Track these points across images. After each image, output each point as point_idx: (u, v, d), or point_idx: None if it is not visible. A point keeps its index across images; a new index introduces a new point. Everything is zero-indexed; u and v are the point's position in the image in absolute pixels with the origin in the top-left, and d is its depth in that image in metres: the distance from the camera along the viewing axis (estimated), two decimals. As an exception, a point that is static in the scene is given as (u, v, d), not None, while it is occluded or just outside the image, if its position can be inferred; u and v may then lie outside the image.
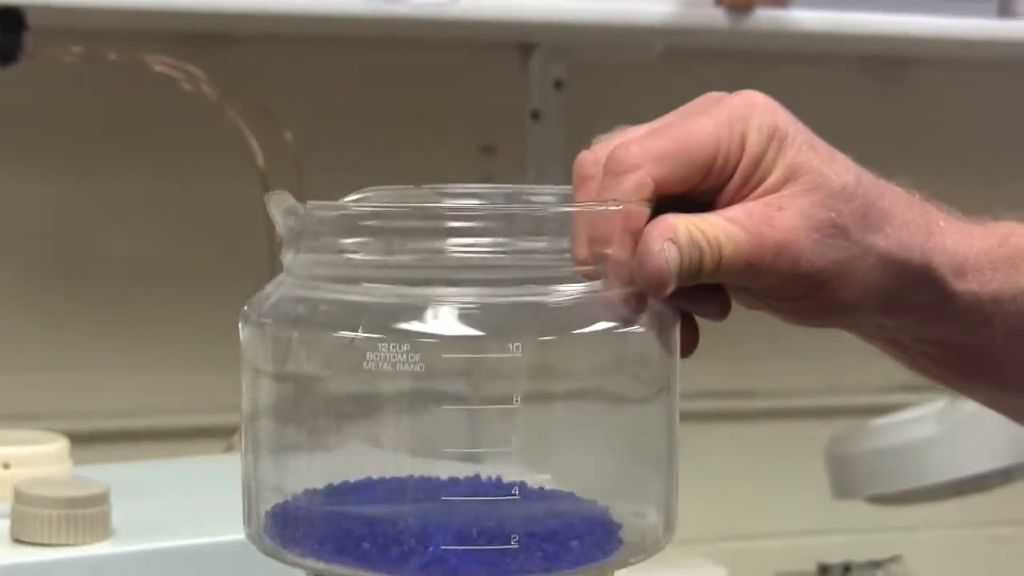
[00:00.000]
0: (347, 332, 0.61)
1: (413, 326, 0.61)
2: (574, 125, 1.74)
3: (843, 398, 1.61)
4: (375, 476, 0.64)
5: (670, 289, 0.64)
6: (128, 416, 1.60)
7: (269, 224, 1.47)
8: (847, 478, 1.54)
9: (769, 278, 0.66)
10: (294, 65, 1.66)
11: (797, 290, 0.67)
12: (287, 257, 0.66)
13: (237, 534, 0.90)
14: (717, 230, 0.65)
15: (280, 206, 0.65)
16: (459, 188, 0.70)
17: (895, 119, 1.88)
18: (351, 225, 0.64)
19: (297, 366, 0.65)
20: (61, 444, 1.00)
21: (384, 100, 1.69)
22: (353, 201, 0.68)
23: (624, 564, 0.65)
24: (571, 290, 0.64)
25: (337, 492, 0.64)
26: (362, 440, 0.64)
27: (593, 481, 0.66)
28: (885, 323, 0.72)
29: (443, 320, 0.62)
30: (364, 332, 0.61)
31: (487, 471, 0.64)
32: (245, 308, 0.66)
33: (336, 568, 0.63)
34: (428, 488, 0.64)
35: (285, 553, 0.65)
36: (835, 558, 1.72)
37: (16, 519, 0.89)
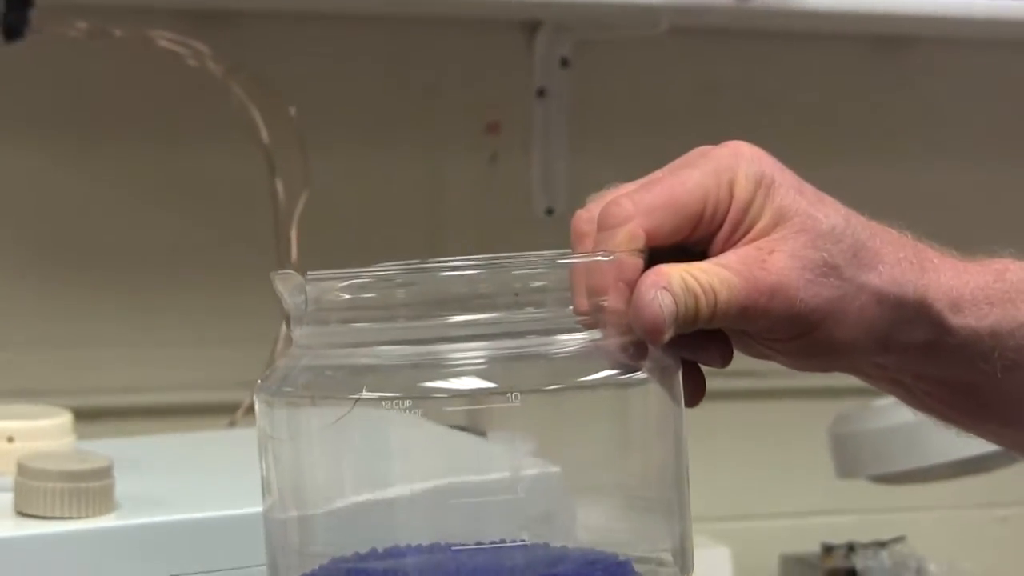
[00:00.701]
0: (360, 395, 0.63)
1: (415, 383, 0.63)
2: (579, 103, 1.74)
3: (848, 378, 1.60)
4: (393, 543, 0.65)
5: (667, 336, 0.65)
6: (131, 393, 1.60)
7: (274, 200, 1.47)
8: (851, 458, 1.54)
9: (765, 320, 0.68)
10: (299, 41, 1.65)
11: (793, 330, 0.68)
12: (296, 332, 0.67)
13: (240, 508, 0.90)
14: (711, 276, 0.67)
15: (288, 285, 0.66)
16: (459, 260, 0.71)
17: (900, 98, 1.88)
18: (354, 295, 0.66)
19: (307, 433, 0.66)
20: (64, 418, 1.00)
21: (389, 77, 1.69)
22: (352, 271, 0.69)
23: None
24: (572, 339, 0.65)
25: (360, 559, 0.66)
26: (375, 500, 0.66)
27: (605, 528, 0.67)
28: (884, 362, 0.73)
29: (445, 375, 0.63)
30: (367, 393, 0.63)
31: (498, 524, 0.65)
32: (259, 382, 0.68)
33: None
34: (445, 550, 0.65)
35: None
36: (839, 538, 1.72)
37: (19, 492, 0.88)
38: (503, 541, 0.64)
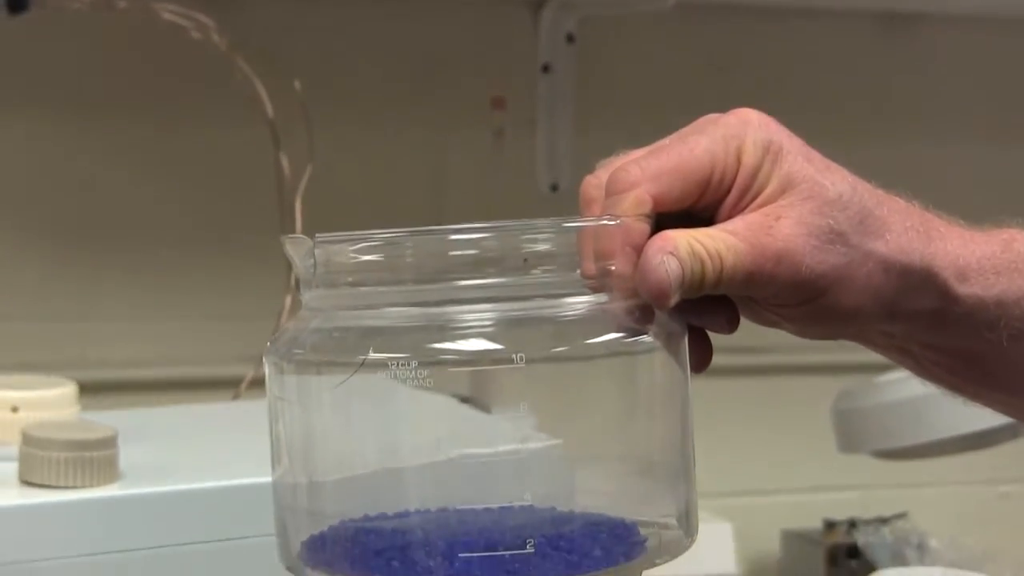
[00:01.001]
0: (369, 356, 0.63)
1: (422, 344, 0.63)
2: (585, 78, 1.74)
3: (851, 354, 1.60)
4: (403, 506, 0.65)
5: (672, 301, 0.66)
6: (136, 367, 1.60)
7: (278, 175, 1.47)
8: (854, 433, 1.54)
9: (771, 286, 0.68)
10: (304, 15, 1.65)
11: (800, 297, 0.69)
12: (305, 295, 0.68)
13: (243, 478, 0.91)
14: (717, 242, 0.67)
15: (299, 249, 0.66)
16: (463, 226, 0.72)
17: (908, 75, 1.88)
18: (362, 258, 0.66)
19: (317, 394, 0.66)
20: (69, 388, 1.00)
21: (394, 52, 1.69)
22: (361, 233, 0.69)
23: (646, 567, 0.67)
24: (579, 302, 0.65)
25: (370, 520, 0.66)
26: (384, 466, 0.66)
27: (611, 490, 0.68)
28: (891, 330, 0.73)
29: (452, 337, 0.64)
30: (374, 354, 0.63)
31: (503, 490, 0.65)
32: (268, 344, 0.68)
33: None
34: (459, 512, 0.65)
35: (318, 574, 0.67)
36: (841, 514, 1.72)
37: (24, 461, 0.89)
38: (510, 505, 0.64)
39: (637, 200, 0.67)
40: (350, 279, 0.66)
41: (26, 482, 0.88)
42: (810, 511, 1.77)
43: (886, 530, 1.65)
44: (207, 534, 0.89)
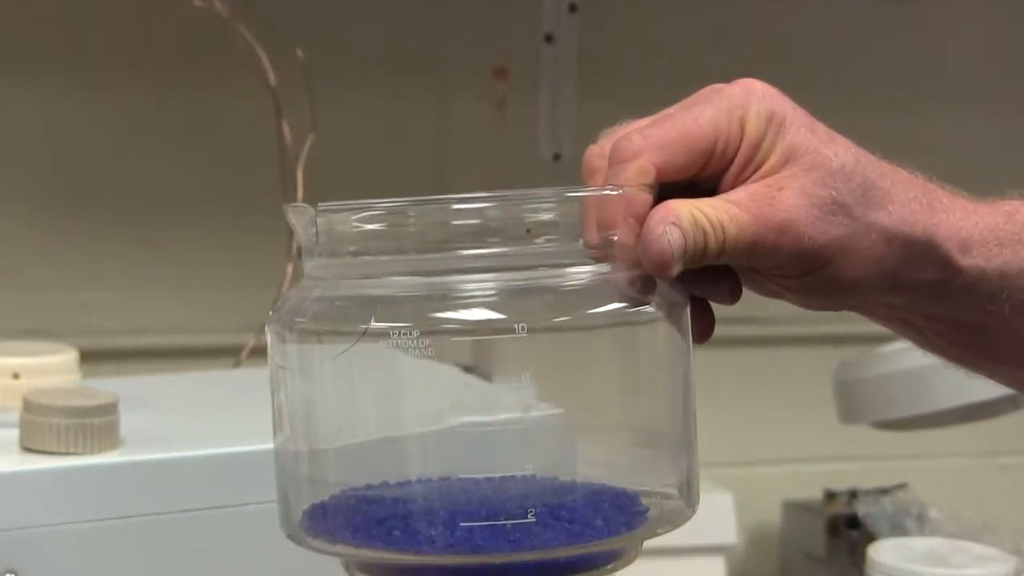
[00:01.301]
0: (371, 324, 0.63)
1: (424, 313, 0.63)
2: (587, 49, 1.74)
3: (851, 325, 1.60)
4: (405, 475, 0.66)
5: (675, 271, 0.66)
6: (137, 334, 1.61)
7: (280, 142, 1.46)
8: (855, 403, 1.54)
9: (774, 257, 0.68)
10: (306, -16, 1.65)
11: (802, 267, 0.69)
12: (307, 264, 0.68)
13: (243, 445, 0.91)
14: (720, 212, 0.67)
15: (301, 218, 0.66)
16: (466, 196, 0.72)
17: (911, 44, 1.87)
18: (365, 227, 0.66)
19: (319, 363, 0.66)
20: (70, 355, 1.00)
21: (397, 20, 1.69)
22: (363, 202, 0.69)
23: (647, 537, 0.67)
24: (582, 272, 0.65)
25: (371, 489, 0.66)
26: (386, 435, 0.66)
27: (612, 460, 0.68)
28: (894, 302, 0.73)
29: (455, 306, 0.63)
30: (375, 323, 0.63)
31: (505, 459, 0.65)
32: (270, 313, 0.68)
33: (367, 552, 0.65)
34: (460, 482, 0.65)
35: (321, 543, 0.67)
36: (842, 485, 1.73)
37: (25, 428, 0.89)
38: (512, 474, 0.64)
39: (640, 170, 0.67)
40: (352, 248, 0.66)
41: (27, 448, 0.88)
42: (810, 481, 1.78)
43: (886, 501, 1.65)
44: (207, 501, 0.89)
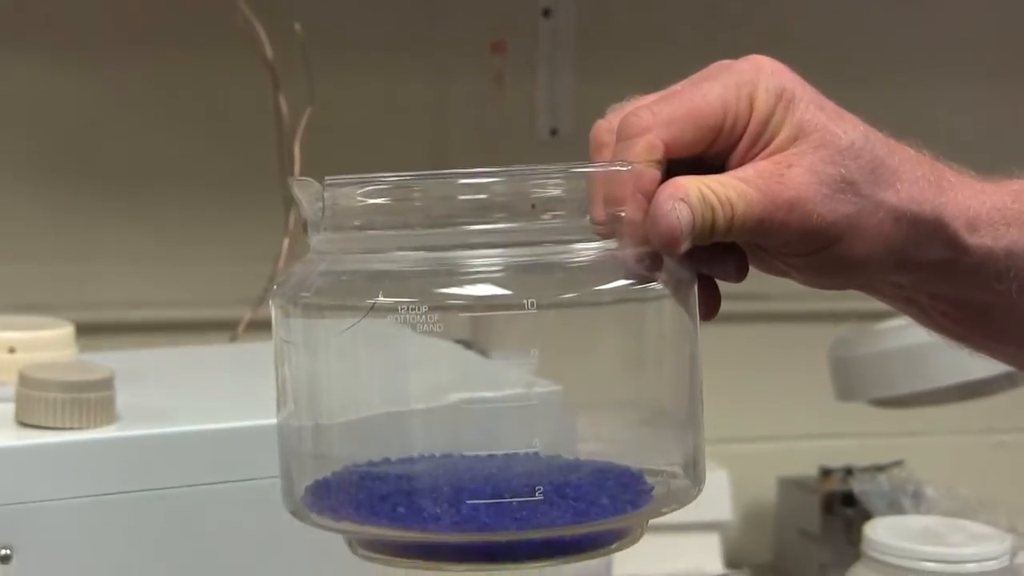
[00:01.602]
0: (377, 299, 0.63)
1: (431, 288, 0.63)
2: (585, 23, 1.73)
3: (849, 301, 1.60)
4: (409, 451, 0.66)
5: (683, 247, 0.66)
6: (133, 308, 1.60)
7: (277, 117, 1.46)
8: (851, 381, 1.54)
9: (782, 234, 0.68)
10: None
11: (810, 245, 0.69)
12: (313, 238, 0.67)
13: (240, 420, 0.91)
14: (728, 189, 0.67)
15: (306, 191, 0.66)
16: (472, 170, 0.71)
17: (911, 19, 1.87)
18: (370, 201, 0.65)
19: (324, 338, 0.66)
20: (66, 330, 1.00)
21: (394, -5, 1.68)
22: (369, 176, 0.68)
23: (653, 515, 0.67)
24: (588, 248, 0.65)
25: (374, 465, 0.66)
26: (391, 410, 0.66)
27: (618, 438, 0.68)
28: (900, 280, 0.73)
29: (460, 282, 0.63)
30: (383, 298, 0.63)
31: (509, 435, 0.65)
32: (274, 287, 0.68)
33: (371, 529, 0.65)
34: (465, 459, 0.65)
35: (325, 520, 0.66)
36: (837, 462, 1.72)
37: (21, 402, 0.89)
38: (517, 451, 0.64)
39: (648, 145, 0.67)
40: (358, 222, 0.66)
41: (23, 423, 0.88)
42: (806, 458, 1.78)
43: (882, 478, 1.65)
44: (203, 476, 0.89)
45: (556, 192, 0.65)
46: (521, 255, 0.64)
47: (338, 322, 0.65)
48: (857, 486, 1.63)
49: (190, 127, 1.61)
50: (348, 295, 0.65)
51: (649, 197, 0.66)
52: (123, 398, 0.90)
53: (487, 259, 0.64)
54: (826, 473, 1.72)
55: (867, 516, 1.50)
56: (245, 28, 1.38)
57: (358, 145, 1.63)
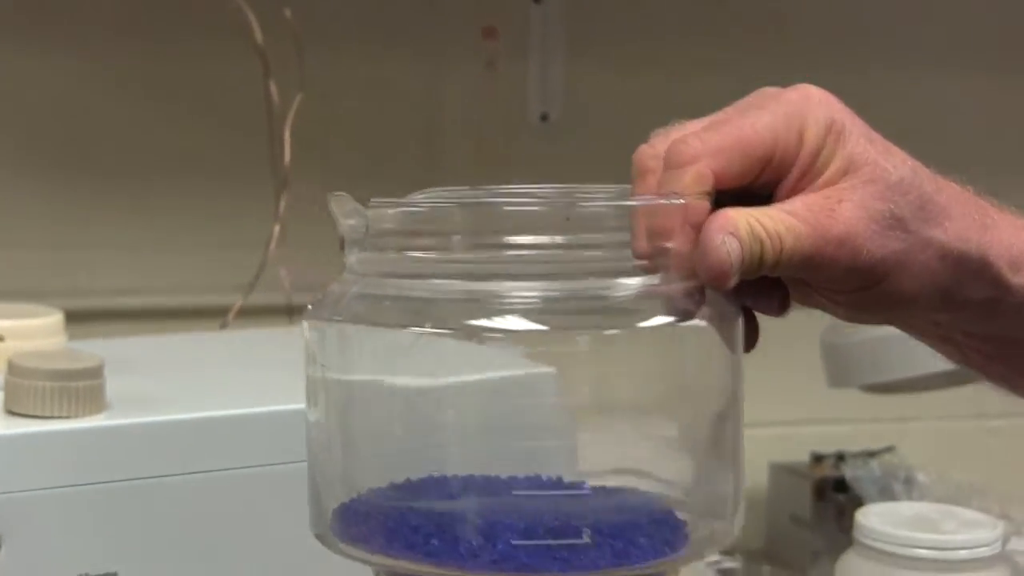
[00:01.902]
0: (414, 328, 0.62)
1: (477, 321, 0.62)
2: (576, 8, 1.73)
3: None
4: (439, 473, 0.65)
5: (732, 282, 0.65)
6: (123, 295, 1.60)
7: (267, 102, 1.45)
8: (843, 366, 1.54)
9: (830, 270, 0.67)
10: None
11: (857, 282, 0.68)
12: (350, 257, 0.66)
13: (230, 409, 0.90)
14: (777, 223, 0.65)
15: (343, 207, 0.65)
16: (517, 188, 0.70)
17: (910, 3, 1.86)
18: (414, 223, 0.65)
19: (361, 363, 0.66)
20: (56, 318, 1.00)
21: (385, -20, 1.68)
22: (415, 199, 0.68)
23: (694, 559, 0.66)
24: (632, 284, 0.64)
25: (403, 489, 0.65)
26: (426, 436, 0.65)
27: (658, 477, 0.67)
28: (940, 319, 0.73)
29: (505, 315, 0.62)
30: (430, 328, 0.62)
31: (550, 467, 0.64)
32: (309, 307, 0.67)
33: (404, 564, 0.63)
34: (492, 485, 0.64)
35: (353, 549, 0.65)
36: (829, 448, 1.72)
37: (10, 391, 0.88)
38: (556, 487, 0.63)
39: (698, 176, 0.66)
40: (397, 245, 0.65)
41: (11, 412, 0.88)
42: (798, 444, 1.78)
43: (874, 464, 1.65)
44: (192, 465, 0.88)
45: (600, 222, 0.64)
46: (562, 288, 0.63)
47: (372, 345, 0.64)
48: (849, 472, 1.63)
49: (180, 114, 1.61)
50: (383, 320, 0.64)
51: (698, 229, 0.65)
52: (113, 386, 0.90)
53: (526, 292, 0.62)
54: (817, 459, 1.72)
55: (859, 502, 1.50)
56: (236, 15, 1.37)
57: (349, 131, 1.63)
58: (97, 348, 0.95)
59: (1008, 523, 1.32)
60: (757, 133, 0.67)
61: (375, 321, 0.64)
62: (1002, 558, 1.26)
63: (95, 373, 0.89)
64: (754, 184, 0.68)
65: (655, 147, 0.69)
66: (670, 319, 0.64)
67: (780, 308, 0.70)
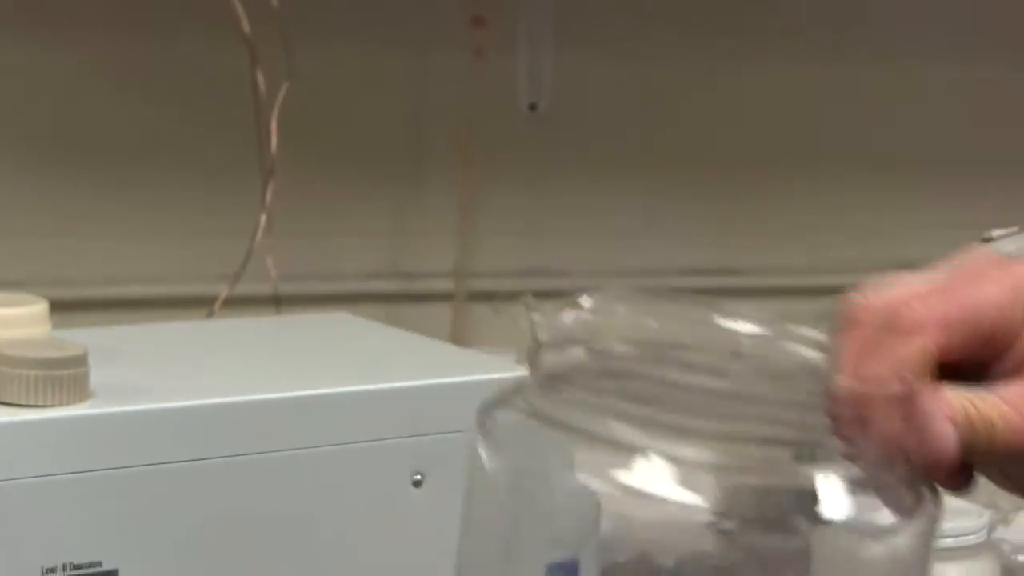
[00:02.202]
0: (585, 478, 0.59)
1: (638, 486, 0.58)
2: (564, -2, 1.73)
3: (826, 276, 1.61)
4: None
5: (947, 472, 0.61)
6: (109, 284, 1.60)
7: (254, 92, 1.45)
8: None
9: None
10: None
11: None
12: (533, 373, 0.63)
13: (215, 397, 0.90)
14: (991, 407, 0.61)
15: (546, 317, 0.62)
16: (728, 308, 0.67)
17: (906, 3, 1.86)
18: (605, 363, 0.62)
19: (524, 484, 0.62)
20: (40, 306, 0.99)
21: (372, -32, 1.67)
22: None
23: None
24: (839, 472, 0.59)
25: None
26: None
27: None
28: None
29: (666, 483, 0.58)
30: (582, 475, 0.59)
31: None
32: (483, 423, 0.63)
33: None
34: None
35: None
36: (816, 438, 1.72)
37: (-7, 379, 0.88)
38: None
39: (923, 351, 0.61)
40: (589, 384, 0.61)
41: (-4, 400, 0.88)
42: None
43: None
44: (177, 454, 0.88)
45: (805, 400, 0.60)
46: (750, 470, 0.59)
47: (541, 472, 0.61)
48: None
49: (166, 102, 1.60)
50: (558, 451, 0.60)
51: (910, 409, 0.60)
52: (98, 375, 0.90)
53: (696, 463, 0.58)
54: (805, 449, 1.72)
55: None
56: (223, 4, 1.37)
57: (336, 120, 1.63)
58: (82, 337, 0.94)
59: (994, 512, 1.32)
60: (986, 307, 0.62)
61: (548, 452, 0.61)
62: (988, 547, 1.26)
63: (80, 361, 0.89)
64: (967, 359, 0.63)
65: (869, 300, 0.63)
66: (896, 520, 0.60)
67: (965, 485, 0.65)
